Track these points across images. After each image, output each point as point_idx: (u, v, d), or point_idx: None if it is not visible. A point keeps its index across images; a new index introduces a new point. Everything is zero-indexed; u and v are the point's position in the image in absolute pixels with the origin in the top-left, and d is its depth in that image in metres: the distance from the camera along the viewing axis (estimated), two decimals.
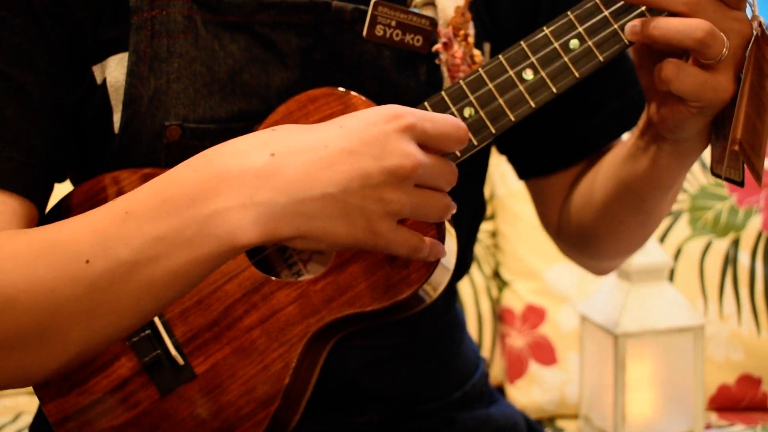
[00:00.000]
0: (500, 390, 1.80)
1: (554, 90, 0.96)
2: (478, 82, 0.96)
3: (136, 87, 0.97)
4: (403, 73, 1.03)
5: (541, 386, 1.75)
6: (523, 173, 1.22)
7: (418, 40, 1.02)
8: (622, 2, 0.95)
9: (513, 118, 0.96)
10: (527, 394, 1.75)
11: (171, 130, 0.98)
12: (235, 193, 0.80)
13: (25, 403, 1.74)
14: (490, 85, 0.96)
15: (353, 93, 0.97)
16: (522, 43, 0.96)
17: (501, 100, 0.96)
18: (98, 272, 0.82)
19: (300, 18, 1.00)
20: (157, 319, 0.97)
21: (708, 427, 1.66)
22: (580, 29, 0.95)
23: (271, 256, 1.00)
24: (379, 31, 1.01)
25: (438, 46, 1.03)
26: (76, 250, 0.83)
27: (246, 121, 0.99)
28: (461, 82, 0.96)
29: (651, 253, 1.57)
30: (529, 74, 0.96)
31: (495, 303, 1.82)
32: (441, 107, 0.96)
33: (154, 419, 0.97)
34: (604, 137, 1.17)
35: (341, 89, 0.98)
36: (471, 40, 1.04)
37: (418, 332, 1.11)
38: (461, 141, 0.85)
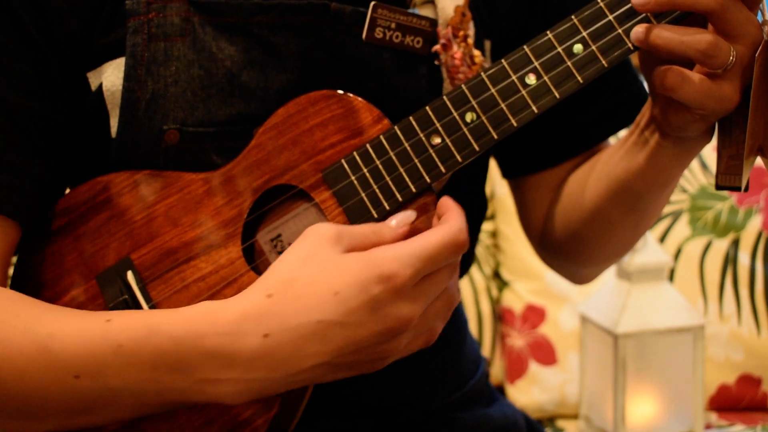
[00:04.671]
0: (500, 390, 1.80)
1: (557, 95, 0.95)
2: (480, 86, 0.95)
3: (133, 91, 0.97)
4: (404, 74, 1.02)
5: (541, 386, 1.75)
6: (509, 171, 1.20)
7: (418, 42, 1.02)
8: (627, 6, 0.93)
9: (515, 124, 0.95)
10: (527, 394, 1.75)
11: (169, 134, 0.97)
12: (229, 369, 0.85)
13: None
14: (492, 90, 0.95)
15: (352, 95, 0.97)
16: (525, 47, 0.95)
17: (503, 105, 0.95)
18: (86, 389, 0.88)
19: (299, 20, 1.00)
20: None
21: (708, 427, 1.66)
22: (584, 33, 0.94)
23: (269, 257, 1.00)
24: (378, 33, 1.01)
25: (437, 47, 1.03)
26: (67, 364, 0.87)
27: (245, 124, 0.99)
28: (463, 86, 0.95)
29: (651, 253, 1.57)
30: (532, 79, 0.95)
31: (495, 303, 1.82)
32: (442, 112, 0.95)
33: (151, 422, 0.96)
34: (599, 134, 1.15)
35: (340, 92, 0.97)
36: (470, 41, 1.04)
37: None
38: (461, 251, 0.87)
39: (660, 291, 1.57)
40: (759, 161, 0.95)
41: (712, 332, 1.72)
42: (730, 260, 1.74)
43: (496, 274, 1.83)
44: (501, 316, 1.80)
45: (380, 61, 1.02)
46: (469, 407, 1.16)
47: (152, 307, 0.97)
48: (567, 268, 1.24)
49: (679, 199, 1.77)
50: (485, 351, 1.80)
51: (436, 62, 1.03)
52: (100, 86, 0.98)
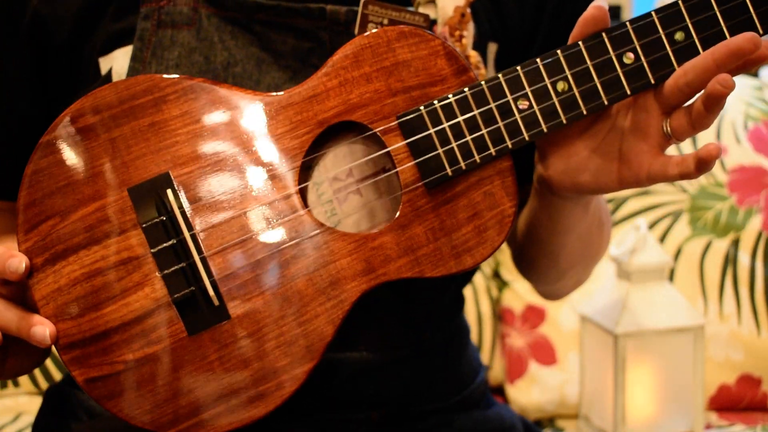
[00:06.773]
0: (500, 390, 1.80)
1: (652, 80, 0.93)
2: (577, 57, 0.93)
3: (137, 71, 1.01)
4: None
5: (541, 386, 1.75)
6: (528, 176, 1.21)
7: None
8: (734, 3, 0.92)
9: (606, 102, 0.94)
10: (527, 394, 1.75)
11: None
12: None
13: (24, 402, 1.74)
14: (589, 63, 0.93)
15: (440, 39, 0.94)
16: (628, 23, 0.93)
17: (597, 81, 0.93)
18: None
19: (296, 22, 1.02)
20: (195, 254, 0.91)
21: (708, 427, 1.66)
22: (689, 22, 0.93)
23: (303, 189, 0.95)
24: (371, 29, 1.00)
25: None
26: None
27: None
28: (559, 52, 0.93)
29: (651, 253, 1.57)
30: (630, 58, 0.93)
31: (495, 303, 1.82)
32: (535, 76, 0.93)
33: (178, 358, 0.91)
34: None
35: (428, 32, 0.94)
36: (465, 41, 1.04)
37: (424, 338, 1.11)
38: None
39: (660, 291, 1.57)
40: None
41: (712, 332, 1.72)
42: (730, 260, 1.74)
43: (496, 274, 1.83)
44: (501, 316, 1.80)
45: None
46: (466, 410, 1.16)
47: (192, 234, 0.91)
48: (531, 281, 1.28)
49: (679, 199, 1.77)
50: (485, 351, 1.80)
51: None
52: (110, 70, 1.03)
